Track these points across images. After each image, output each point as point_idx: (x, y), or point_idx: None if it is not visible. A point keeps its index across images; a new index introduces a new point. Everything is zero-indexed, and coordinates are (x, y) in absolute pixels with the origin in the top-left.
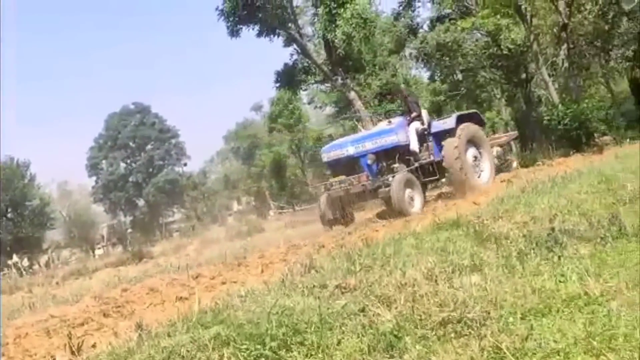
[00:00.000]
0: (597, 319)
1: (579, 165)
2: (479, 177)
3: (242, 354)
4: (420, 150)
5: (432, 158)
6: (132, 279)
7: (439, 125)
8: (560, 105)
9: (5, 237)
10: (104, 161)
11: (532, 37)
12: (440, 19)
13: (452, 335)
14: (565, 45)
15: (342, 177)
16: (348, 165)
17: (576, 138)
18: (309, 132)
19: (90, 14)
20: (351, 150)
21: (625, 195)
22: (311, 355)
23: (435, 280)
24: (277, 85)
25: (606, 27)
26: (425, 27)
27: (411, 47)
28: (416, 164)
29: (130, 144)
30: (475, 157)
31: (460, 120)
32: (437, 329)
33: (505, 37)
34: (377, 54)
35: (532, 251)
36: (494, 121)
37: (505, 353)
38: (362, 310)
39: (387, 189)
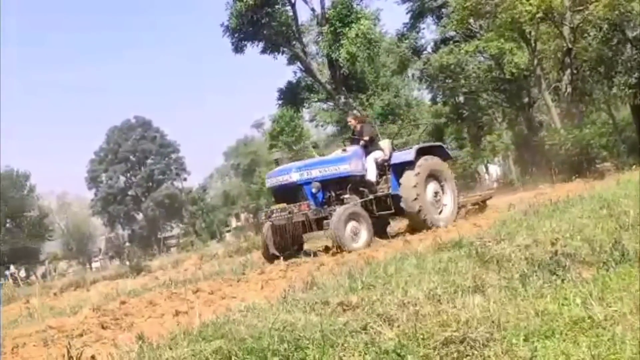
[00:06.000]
0: (601, 343)
1: (580, 190)
2: (439, 213)
3: None
4: (378, 182)
5: (389, 191)
6: (130, 292)
7: (398, 156)
8: (562, 131)
9: (3, 247)
10: (104, 174)
11: (535, 61)
12: (444, 41)
13: (455, 355)
14: (568, 71)
15: (284, 205)
16: (292, 193)
17: (577, 163)
18: (310, 151)
19: (92, 28)
20: (295, 177)
21: (628, 221)
22: None
23: (438, 300)
24: (280, 102)
25: (610, 54)
26: (429, 49)
27: (414, 68)
28: (371, 196)
29: (131, 157)
30: (437, 193)
31: (421, 153)
32: (439, 349)
33: (509, 61)
34: (380, 74)
35: (534, 274)
36: (495, 144)
37: None
38: (364, 328)
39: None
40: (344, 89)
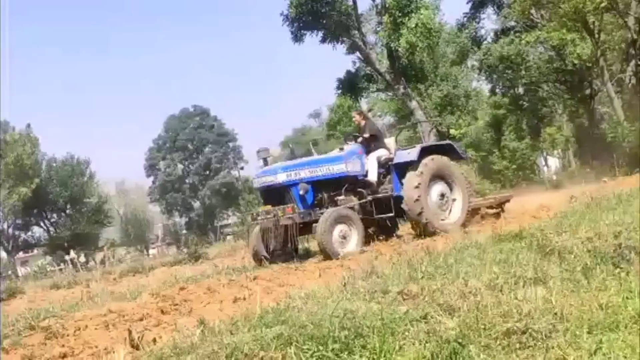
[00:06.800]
0: None
1: None
2: (446, 217)
3: (305, 354)
4: (382, 182)
5: (392, 192)
6: (188, 278)
7: (401, 156)
8: (625, 123)
9: (63, 233)
10: (161, 162)
11: (598, 52)
12: (504, 32)
13: (517, 346)
14: (633, 62)
15: (269, 207)
16: (279, 195)
17: None
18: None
19: (154, 17)
20: (281, 178)
21: None
22: (373, 359)
23: (500, 291)
24: (339, 92)
25: None
26: (489, 39)
27: (474, 58)
28: (369, 198)
29: (189, 146)
30: (443, 195)
31: (426, 152)
32: (501, 339)
33: (571, 52)
34: (439, 64)
35: (597, 266)
36: (555, 137)
37: None
38: (425, 317)
39: None
40: (402, 79)
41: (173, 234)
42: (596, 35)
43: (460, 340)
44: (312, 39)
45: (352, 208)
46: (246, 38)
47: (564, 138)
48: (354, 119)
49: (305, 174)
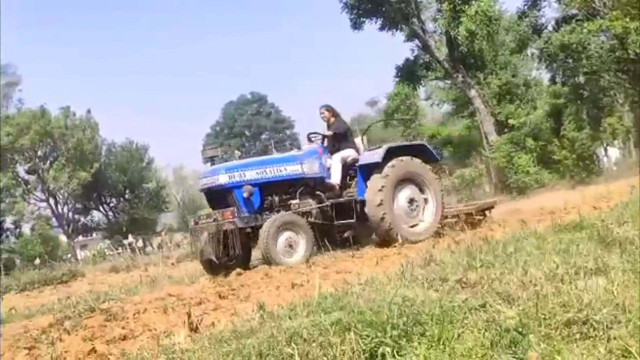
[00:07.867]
0: None
1: None
2: (413, 225)
3: (363, 340)
4: (348, 185)
5: (355, 196)
6: None
7: (366, 157)
8: None
9: (121, 217)
10: (219, 148)
11: None
12: (566, 20)
13: (578, 336)
14: None
15: (209, 211)
16: (223, 197)
17: None
18: (423, 129)
19: (211, 4)
20: (223, 179)
21: None
22: (432, 346)
23: (560, 281)
24: (397, 79)
25: None
26: (550, 28)
27: (534, 47)
28: (328, 202)
29: (246, 132)
30: (412, 200)
31: (394, 153)
32: (561, 329)
33: (633, 41)
34: (498, 52)
35: None
36: (615, 127)
37: (635, 357)
38: (483, 305)
39: None
40: (461, 67)
41: None
42: None
43: (519, 330)
44: (371, 26)
45: (308, 213)
46: (303, 27)
47: (625, 128)
48: (321, 115)
49: (251, 175)
